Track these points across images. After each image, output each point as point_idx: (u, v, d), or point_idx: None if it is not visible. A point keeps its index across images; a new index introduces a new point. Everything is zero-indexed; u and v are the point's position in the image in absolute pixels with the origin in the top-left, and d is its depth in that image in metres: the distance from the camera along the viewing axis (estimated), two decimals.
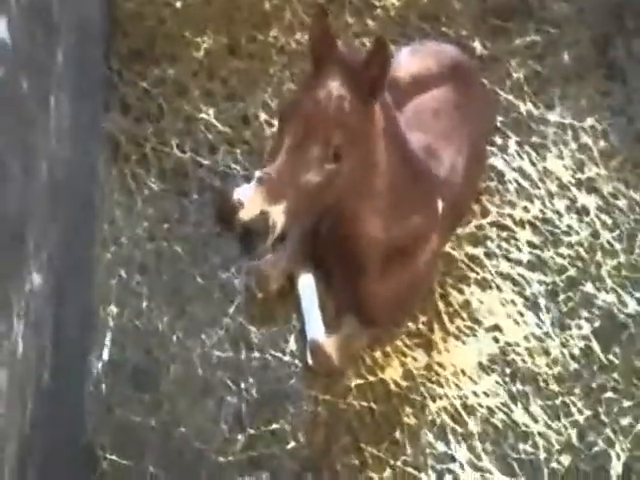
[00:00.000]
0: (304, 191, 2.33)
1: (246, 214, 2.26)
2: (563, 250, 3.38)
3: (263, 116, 3.59)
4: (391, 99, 3.06)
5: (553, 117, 3.77)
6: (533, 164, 3.61)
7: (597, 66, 3.99)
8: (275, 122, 3.56)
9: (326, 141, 2.32)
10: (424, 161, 2.88)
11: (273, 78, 3.73)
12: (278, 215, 2.28)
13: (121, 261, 3.16)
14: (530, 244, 3.39)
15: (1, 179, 2.02)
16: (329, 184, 2.38)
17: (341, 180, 2.41)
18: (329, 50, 2.42)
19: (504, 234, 3.40)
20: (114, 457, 2.76)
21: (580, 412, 3.01)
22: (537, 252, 3.37)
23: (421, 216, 2.82)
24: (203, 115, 3.57)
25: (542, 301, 3.25)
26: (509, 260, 3.34)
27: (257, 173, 2.34)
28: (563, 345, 3.15)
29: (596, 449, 2.95)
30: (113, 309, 3.05)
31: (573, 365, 3.11)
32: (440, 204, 2.90)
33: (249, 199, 2.28)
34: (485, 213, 3.45)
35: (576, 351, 3.15)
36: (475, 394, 3.02)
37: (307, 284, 3.11)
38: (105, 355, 2.95)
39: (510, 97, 3.81)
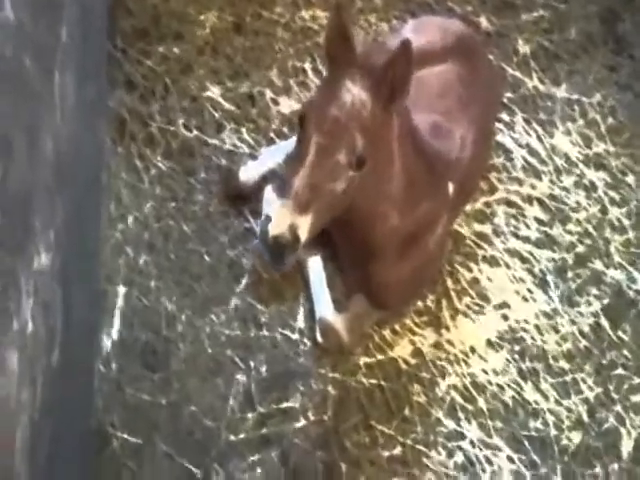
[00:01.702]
0: (329, 199, 2.32)
1: (275, 229, 2.25)
2: (571, 227, 3.37)
3: (269, 94, 3.56)
4: None
5: (560, 93, 3.75)
6: (540, 140, 3.59)
7: (604, 41, 3.95)
8: (280, 100, 3.55)
9: (351, 148, 2.30)
10: (434, 145, 2.84)
11: (278, 55, 3.70)
12: (305, 225, 2.28)
13: (128, 240, 3.15)
14: (538, 221, 3.37)
15: (7, 158, 2.00)
16: (351, 190, 2.37)
17: (360, 184, 2.39)
18: (347, 50, 2.37)
19: (512, 211, 3.39)
20: (125, 435, 2.78)
21: (590, 389, 3.02)
22: (545, 229, 3.35)
23: (433, 201, 2.80)
24: (209, 93, 3.55)
25: (551, 278, 3.24)
26: (517, 237, 3.33)
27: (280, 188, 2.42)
28: (572, 322, 3.15)
29: (606, 426, 2.96)
30: (121, 288, 3.04)
31: (583, 342, 3.11)
32: (451, 186, 2.87)
33: (277, 213, 2.27)
34: (493, 190, 3.43)
35: (585, 328, 3.14)
36: (485, 372, 3.02)
37: (315, 263, 3.10)
38: (114, 334, 2.95)
39: (517, 73, 3.79)
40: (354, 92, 2.33)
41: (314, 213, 2.29)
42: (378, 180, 2.50)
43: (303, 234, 2.27)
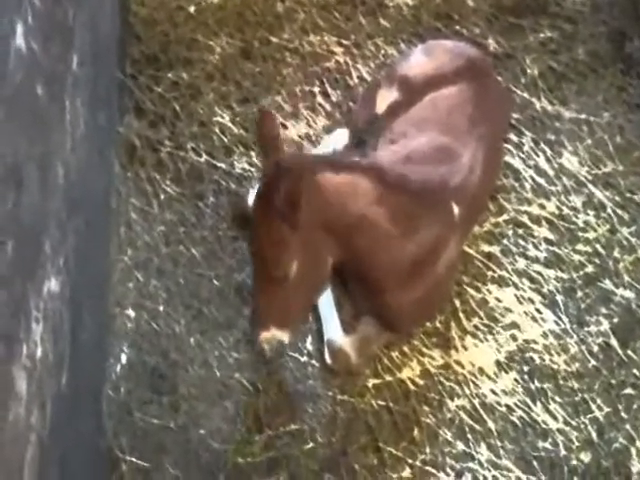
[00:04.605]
0: (285, 304, 2.64)
1: (258, 345, 2.71)
2: (580, 247, 3.37)
3: (277, 118, 3.59)
4: (403, 97, 3.08)
5: (568, 113, 3.76)
6: (549, 161, 3.59)
7: (613, 61, 3.96)
8: (289, 124, 3.60)
9: (265, 271, 2.60)
10: (435, 170, 2.88)
11: (287, 80, 3.74)
12: (278, 334, 2.68)
13: (138, 265, 3.19)
14: (547, 241, 3.37)
15: (18, 184, 2.03)
16: (305, 287, 2.65)
17: (320, 266, 2.66)
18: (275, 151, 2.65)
19: (521, 231, 3.39)
20: (133, 459, 2.79)
21: (600, 409, 3.00)
22: (554, 249, 3.35)
23: (437, 227, 2.84)
24: (218, 118, 3.59)
25: (560, 298, 3.23)
26: (526, 257, 3.32)
27: None
28: (582, 342, 3.14)
29: (616, 445, 2.93)
30: (130, 312, 3.07)
31: (592, 362, 3.10)
32: (456, 209, 2.89)
33: (253, 332, 2.77)
34: (501, 211, 3.44)
35: (595, 348, 3.13)
36: (494, 392, 3.01)
37: None
38: (123, 358, 2.98)
39: (525, 94, 3.80)
40: (260, 214, 2.58)
41: (277, 323, 2.66)
42: (364, 250, 2.70)
43: (281, 339, 2.68)
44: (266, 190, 2.55)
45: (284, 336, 2.69)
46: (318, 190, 2.57)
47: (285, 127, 3.58)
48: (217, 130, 3.56)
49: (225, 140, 3.53)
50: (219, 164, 3.46)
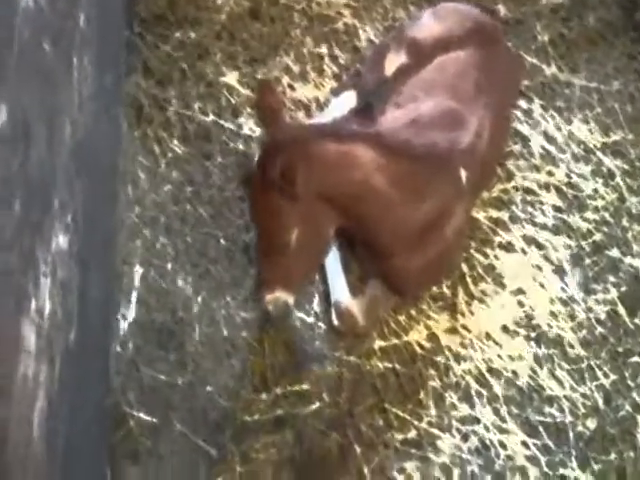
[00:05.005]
0: (288, 269, 2.68)
1: (264, 305, 2.75)
2: (589, 214, 3.36)
3: (285, 79, 3.57)
4: (412, 61, 3.06)
5: (579, 81, 3.73)
6: (558, 128, 3.57)
7: (624, 29, 3.93)
8: (297, 85, 3.57)
9: (266, 239, 2.64)
10: (440, 134, 2.86)
11: (294, 41, 3.71)
12: (283, 296, 2.72)
13: (146, 223, 3.18)
14: (555, 208, 3.36)
15: (26, 142, 2.02)
16: (307, 253, 2.67)
17: (321, 234, 2.68)
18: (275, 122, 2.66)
19: (529, 198, 3.37)
20: (141, 415, 2.79)
21: (606, 376, 3.00)
22: (562, 216, 3.34)
23: (444, 191, 2.82)
24: (225, 79, 3.56)
25: (567, 265, 3.22)
26: (534, 224, 3.31)
27: None
28: (589, 309, 3.13)
29: (622, 413, 2.94)
30: (138, 270, 3.06)
31: (599, 329, 3.09)
32: (463, 173, 2.87)
33: (259, 293, 2.80)
34: (510, 177, 3.42)
35: (602, 315, 3.12)
36: (500, 357, 3.01)
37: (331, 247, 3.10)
38: (131, 315, 2.97)
39: (535, 60, 3.77)
40: (258, 189, 2.59)
41: (283, 286, 2.70)
42: (364, 210, 2.67)
43: (288, 298, 2.73)
44: (264, 163, 2.54)
45: (289, 297, 2.73)
46: (317, 161, 2.56)
47: (293, 89, 3.55)
48: (224, 90, 3.53)
49: (232, 100, 3.50)
50: (226, 124, 3.44)
